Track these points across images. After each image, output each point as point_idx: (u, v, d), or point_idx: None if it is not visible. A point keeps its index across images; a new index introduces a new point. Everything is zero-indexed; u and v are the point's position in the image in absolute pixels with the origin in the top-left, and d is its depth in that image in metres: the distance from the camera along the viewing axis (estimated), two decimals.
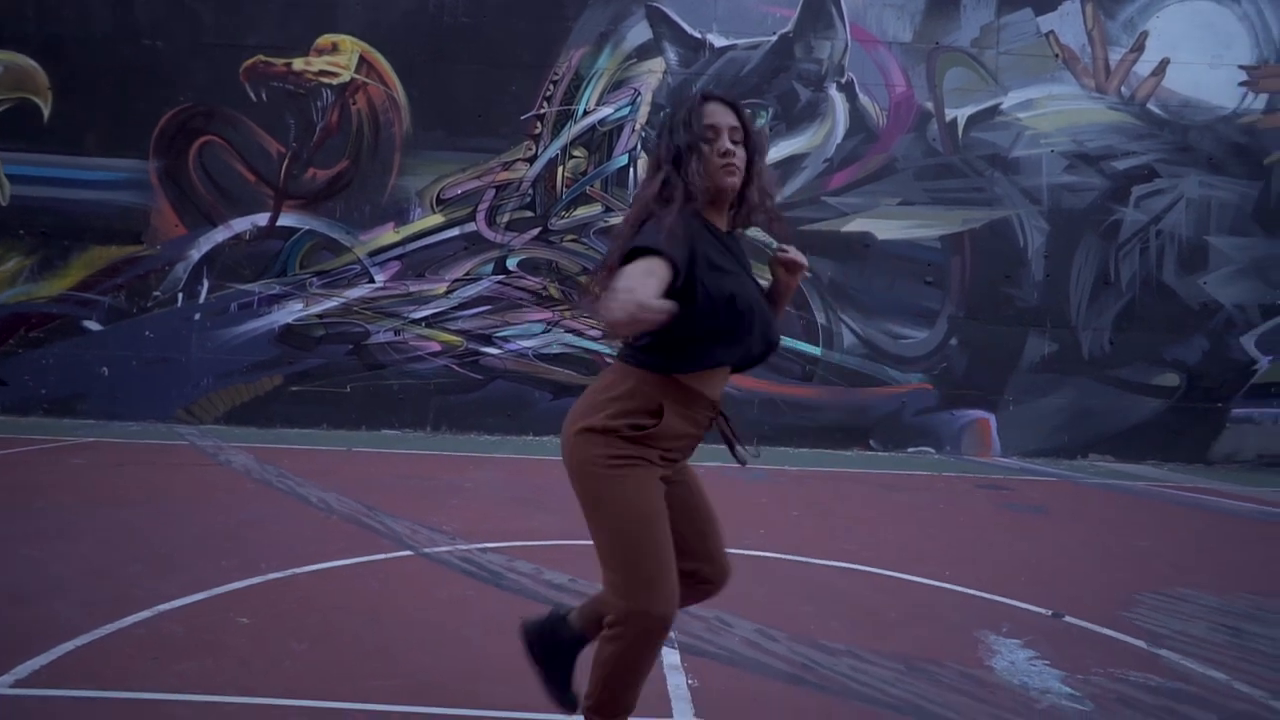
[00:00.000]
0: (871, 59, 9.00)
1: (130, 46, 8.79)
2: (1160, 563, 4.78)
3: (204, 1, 8.81)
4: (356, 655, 2.95)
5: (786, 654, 3.11)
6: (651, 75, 8.95)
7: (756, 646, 3.15)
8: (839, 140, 8.98)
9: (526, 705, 2.61)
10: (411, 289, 8.90)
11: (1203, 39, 9.04)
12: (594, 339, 8.90)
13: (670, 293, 1.77)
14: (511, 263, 8.93)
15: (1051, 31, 9.06)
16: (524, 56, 8.92)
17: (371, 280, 8.89)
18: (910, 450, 8.97)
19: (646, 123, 8.90)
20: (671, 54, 8.95)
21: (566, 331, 8.90)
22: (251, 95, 8.82)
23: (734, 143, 2.04)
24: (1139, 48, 9.07)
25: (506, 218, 8.92)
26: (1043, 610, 3.74)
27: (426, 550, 4.33)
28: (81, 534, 4.37)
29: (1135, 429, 9.04)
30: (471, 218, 8.91)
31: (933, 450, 8.99)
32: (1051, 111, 9.04)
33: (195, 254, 8.81)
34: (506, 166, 8.92)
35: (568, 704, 2.29)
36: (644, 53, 8.95)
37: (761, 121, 8.96)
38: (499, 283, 8.92)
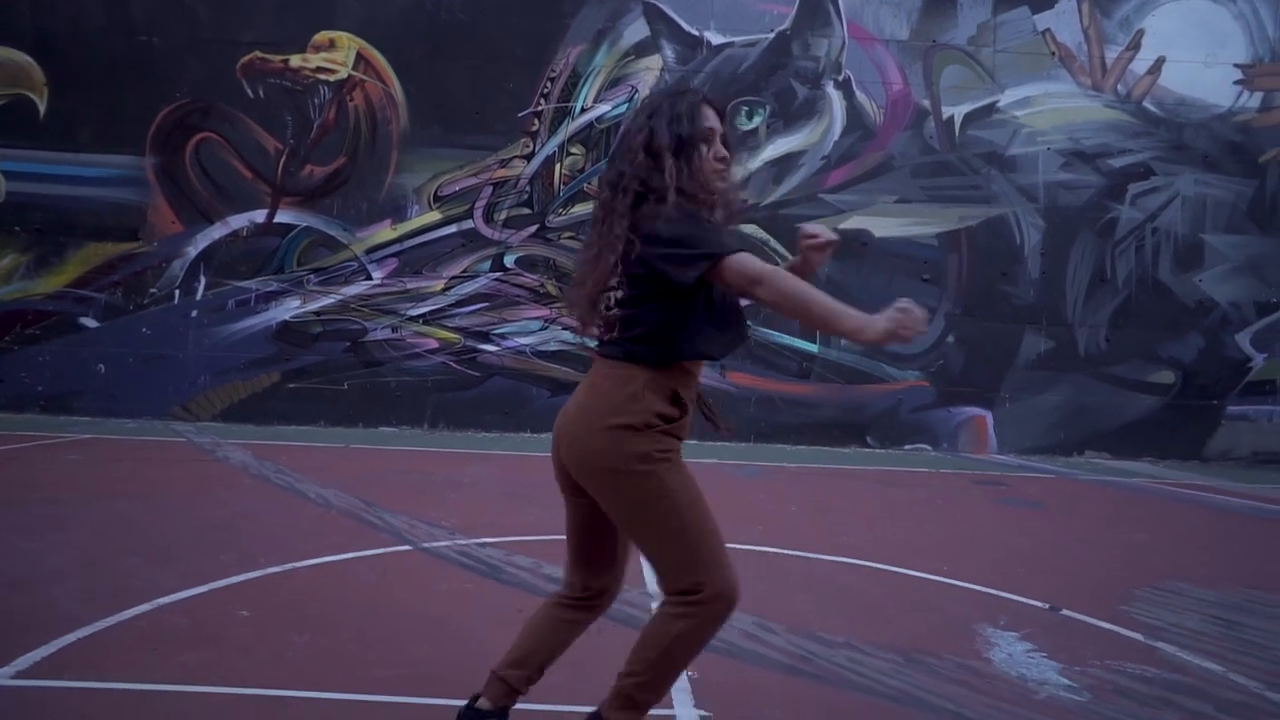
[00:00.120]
0: (868, 57, 9.02)
1: (126, 42, 8.77)
2: (1156, 557, 4.80)
3: None
4: (357, 647, 2.96)
5: (785, 646, 3.12)
6: (649, 72, 8.96)
7: (755, 639, 3.16)
8: (836, 138, 9.00)
9: (527, 696, 2.61)
10: (409, 286, 8.90)
11: (1198, 37, 9.07)
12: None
13: (696, 285, 1.91)
14: (509, 260, 8.94)
15: (1048, 30, 9.08)
16: (521, 53, 8.92)
17: (369, 277, 8.89)
18: (907, 447, 8.99)
19: None
20: (669, 51, 8.96)
21: (564, 329, 8.91)
22: (248, 92, 8.81)
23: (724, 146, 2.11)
24: (1135, 46, 9.10)
25: (504, 215, 8.93)
26: (1040, 603, 3.76)
27: (425, 545, 4.33)
28: (78, 527, 4.37)
29: (1131, 426, 9.08)
30: (469, 215, 8.91)
31: (929, 447, 9.01)
32: (1048, 109, 9.07)
33: (192, 251, 8.80)
34: (504, 164, 8.92)
35: None
36: (641, 50, 8.96)
37: (758, 119, 8.98)
38: (496, 280, 8.92)
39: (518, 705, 2.59)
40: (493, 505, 5.37)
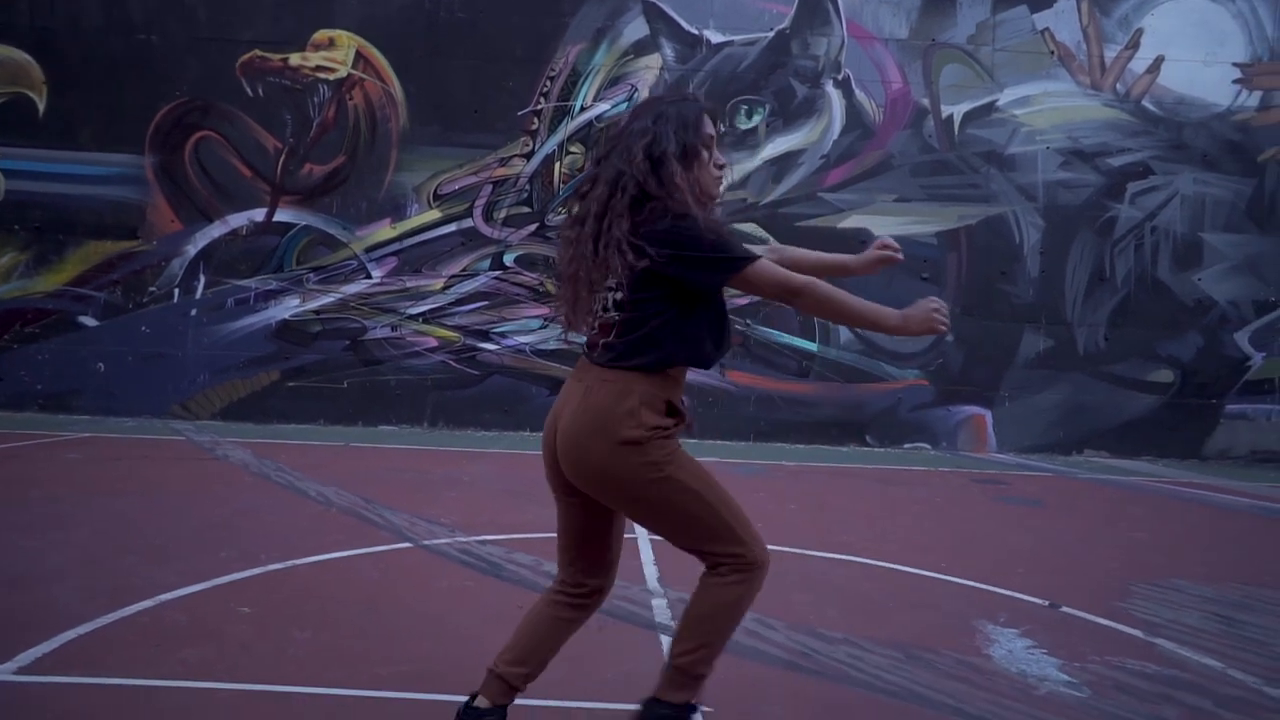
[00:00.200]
0: (868, 55, 9.02)
1: (125, 41, 8.76)
2: (1155, 555, 4.81)
3: None
4: (358, 643, 2.96)
5: (785, 642, 3.13)
6: (648, 71, 8.96)
7: (755, 635, 3.17)
8: (835, 137, 9.00)
9: (528, 692, 2.62)
10: (408, 284, 8.90)
11: (1197, 36, 9.08)
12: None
13: (705, 293, 2.02)
14: (508, 258, 8.94)
15: (1047, 29, 9.09)
16: (520, 52, 8.92)
17: (368, 276, 8.89)
18: (906, 446, 8.99)
19: None
20: (668, 50, 8.96)
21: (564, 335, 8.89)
22: (248, 90, 8.81)
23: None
24: (1134, 45, 9.11)
25: (503, 213, 8.93)
26: (1040, 600, 3.77)
27: (425, 542, 4.34)
28: (79, 526, 4.37)
29: (1130, 425, 9.08)
30: (468, 213, 8.91)
31: (928, 446, 9.02)
32: (1047, 108, 9.07)
33: (191, 249, 8.79)
34: (503, 162, 8.92)
35: None
36: (641, 49, 8.96)
37: (757, 118, 8.98)
38: (496, 278, 8.92)
39: (517, 701, 2.60)
40: (492, 503, 5.37)
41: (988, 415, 9.08)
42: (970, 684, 2.84)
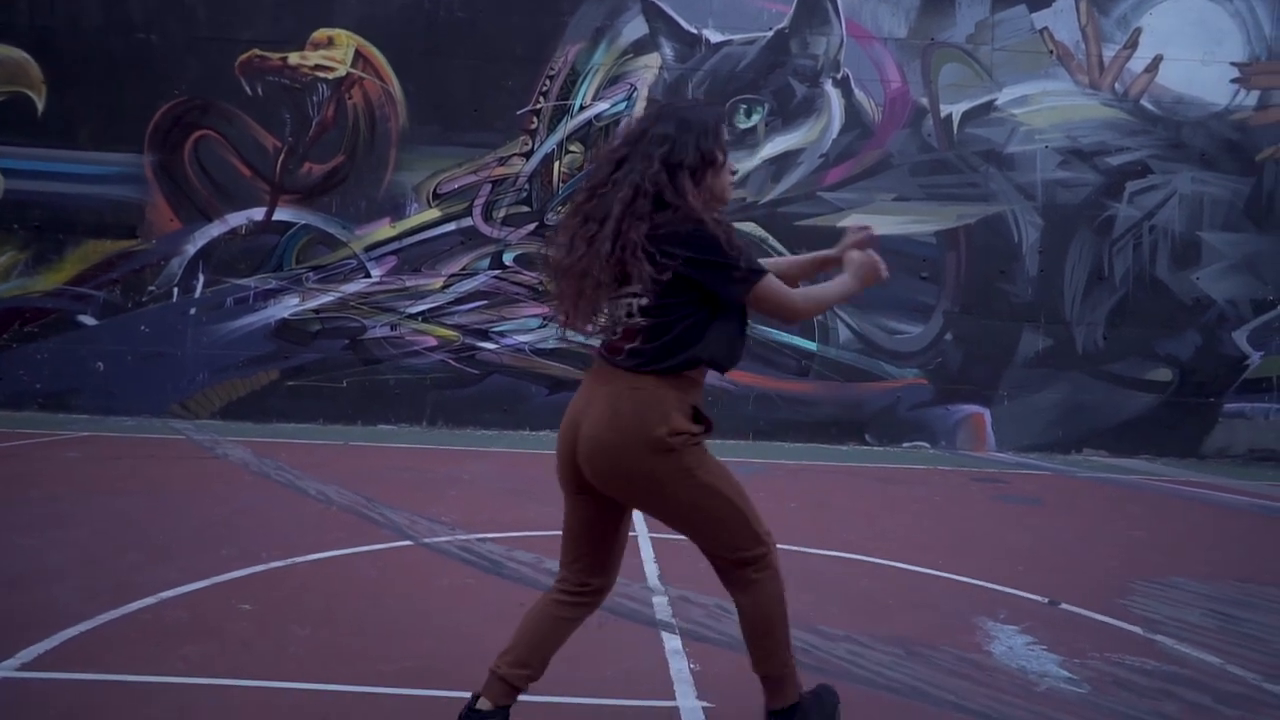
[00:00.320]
0: (867, 55, 9.03)
1: (124, 40, 8.76)
2: (1154, 552, 4.82)
3: None
4: (359, 640, 2.97)
5: None
6: (647, 70, 8.96)
7: None
8: (834, 136, 9.01)
9: (529, 690, 2.62)
10: (408, 284, 8.90)
11: (1195, 36, 9.09)
12: (588, 334, 8.89)
13: (729, 302, 2.08)
14: (508, 258, 8.94)
15: (1046, 28, 9.10)
16: (520, 51, 8.92)
17: (368, 275, 8.89)
18: (905, 445, 9.00)
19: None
20: (667, 49, 8.96)
21: (561, 334, 8.89)
22: (247, 89, 8.80)
23: None
24: (1132, 44, 9.12)
25: (503, 213, 8.93)
26: (1039, 598, 3.78)
27: (426, 540, 4.34)
28: (79, 524, 4.37)
29: (1129, 424, 9.10)
30: (468, 213, 8.91)
31: (928, 445, 9.03)
32: (1046, 108, 9.08)
33: (190, 248, 8.79)
34: (502, 161, 8.93)
35: None
36: (640, 48, 8.96)
37: (756, 117, 8.99)
38: (495, 278, 8.92)
39: (517, 697, 2.60)
40: (493, 501, 5.38)
41: (987, 414, 9.09)
42: (971, 680, 2.84)
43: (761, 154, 8.95)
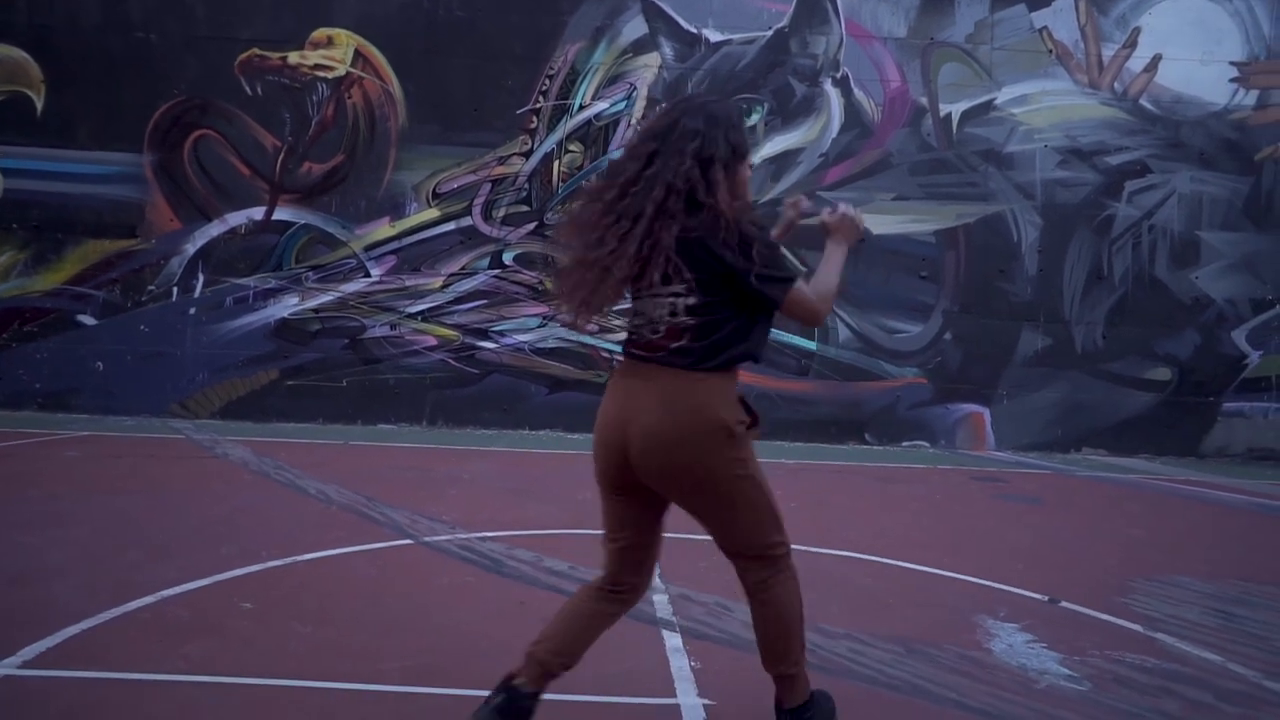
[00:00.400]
0: (866, 54, 9.03)
1: (123, 39, 8.75)
2: (1154, 551, 4.83)
3: None
4: (360, 638, 2.97)
5: None
6: (647, 70, 8.96)
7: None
8: (834, 135, 9.01)
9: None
10: (407, 283, 8.90)
11: (1194, 35, 9.09)
12: (590, 333, 8.90)
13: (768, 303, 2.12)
14: (507, 257, 8.94)
15: (1045, 27, 9.10)
16: (519, 51, 8.92)
17: (367, 275, 8.89)
18: (905, 444, 9.01)
19: (642, 117, 8.91)
20: (667, 49, 8.97)
21: (562, 326, 8.91)
22: (247, 89, 8.79)
23: None
24: (1131, 44, 9.12)
25: (502, 212, 8.93)
26: (1039, 596, 3.78)
27: (426, 539, 4.34)
28: (79, 522, 4.37)
29: (1127, 423, 9.10)
30: (467, 212, 8.91)
31: (927, 444, 9.03)
32: (1045, 107, 9.09)
33: (190, 248, 8.79)
34: (502, 161, 8.92)
35: None
36: (640, 47, 8.96)
37: (756, 116, 8.99)
38: (495, 277, 8.92)
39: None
40: (493, 500, 5.38)
41: (986, 413, 9.09)
42: (971, 678, 2.85)
43: (761, 153, 8.94)
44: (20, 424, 7.72)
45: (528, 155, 8.93)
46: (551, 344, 8.89)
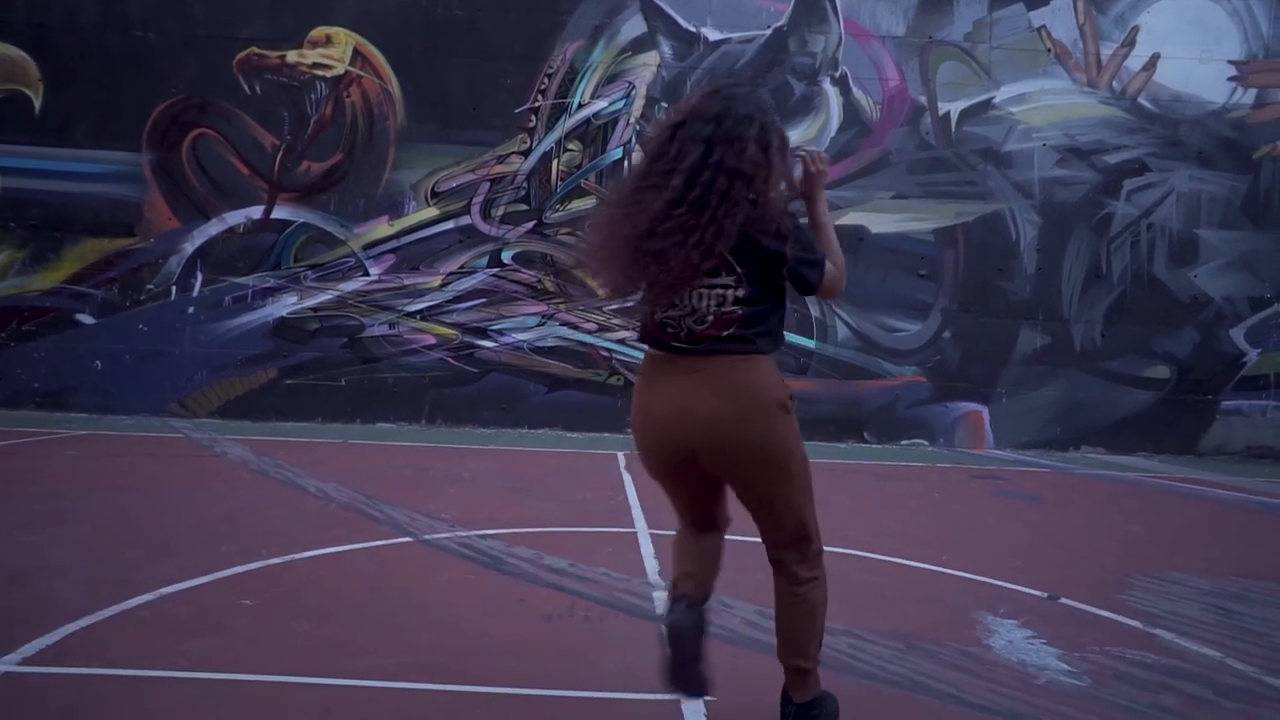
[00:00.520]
0: (865, 53, 9.04)
1: (121, 38, 8.74)
2: (1152, 548, 4.83)
3: None
4: (360, 635, 2.97)
5: None
6: (646, 69, 8.96)
7: (756, 626, 3.18)
8: (833, 134, 9.02)
9: (529, 682, 2.63)
10: (406, 282, 8.89)
11: (1193, 34, 9.10)
12: (589, 332, 8.91)
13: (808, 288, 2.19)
14: (506, 256, 8.94)
15: (1044, 26, 9.11)
16: (518, 49, 8.91)
17: (366, 273, 8.88)
18: (904, 443, 9.01)
19: (641, 116, 8.92)
20: (666, 48, 8.97)
21: (561, 324, 8.92)
22: (245, 88, 8.79)
23: None
24: (1130, 43, 9.13)
25: (501, 211, 8.93)
26: (1039, 593, 3.78)
27: (426, 536, 4.34)
28: (79, 520, 4.37)
29: (1126, 421, 9.11)
30: (466, 211, 8.91)
31: (926, 443, 9.04)
32: (1043, 106, 9.10)
33: (189, 247, 8.78)
34: (501, 160, 8.92)
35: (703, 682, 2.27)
36: (639, 46, 8.96)
37: None
38: (494, 276, 8.92)
39: (518, 691, 2.62)
40: (492, 499, 5.38)
41: (985, 412, 9.10)
42: (971, 674, 2.85)
43: None
44: (18, 423, 7.72)
45: (526, 154, 8.93)
46: (550, 343, 8.90)
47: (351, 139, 8.89)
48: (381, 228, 8.89)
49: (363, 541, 4.18)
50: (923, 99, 9.06)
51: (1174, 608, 3.66)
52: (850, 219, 8.92)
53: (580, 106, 8.94)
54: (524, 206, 8.94)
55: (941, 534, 4.94)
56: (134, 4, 8.74)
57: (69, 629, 2.89)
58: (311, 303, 8.82)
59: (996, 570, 4.10)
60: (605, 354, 8.91)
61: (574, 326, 8.92)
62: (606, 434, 8.63)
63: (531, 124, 8.93)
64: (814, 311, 8.98)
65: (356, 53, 8.87)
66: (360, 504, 4.99)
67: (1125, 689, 2.77)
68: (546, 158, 8.94)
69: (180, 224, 8.77)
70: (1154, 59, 9.12)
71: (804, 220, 2.26)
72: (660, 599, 3.48)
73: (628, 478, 6.31)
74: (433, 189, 8.91)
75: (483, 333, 8.90)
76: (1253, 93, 9.18)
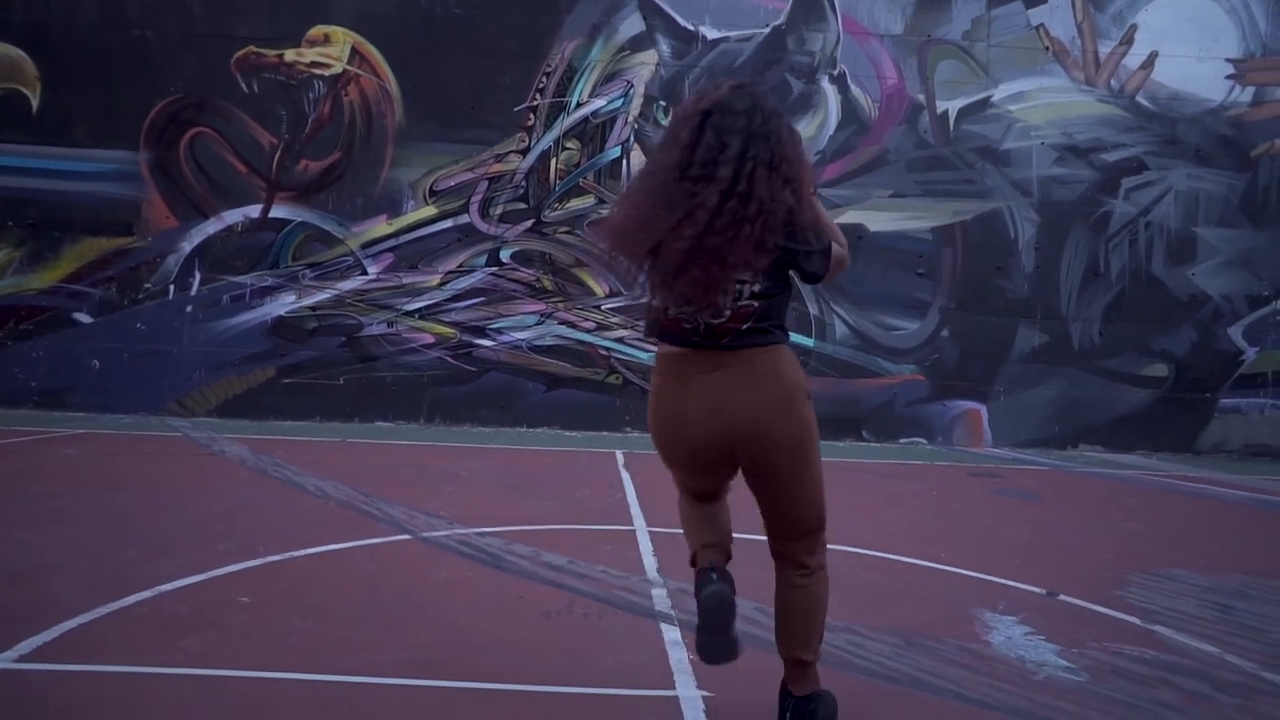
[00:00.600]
0: (863, 51, 9.04)
1: (119, 37, 8.73)
2: (1151, 545, 4.84)
3: None
4: (358, 632, 2.96)
5: None
6: (644, 67, 8.96)
7: (755, 623, 3.17)
8: (831, 132, 9.02)
9: (527, 679, 2.63)
10: (404, 281, 8.89)
11: (1191, 32, 9.11)
12: (587, 331, 8.91)
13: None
14: (505, 254, 8.93)
15: (1042, 24, 9.11)
16: (516, 48, 8.91)
17: (364, 272, 8.87)
18: (902, 441, 9.01)
19: (639, 115, 8.91)
20: (664, 46, 8.96)
21: (560, 323, 8.91)
22: (243, 86, 8.78)
23: None
24: (1128, 41, 9.14)
25: (500, 210, 8.92)
26: (1037, 589, 3.79)
27: (424, 534, 4.34)
28: (78, 519, 4.36)
29: (1124, 419, 9.12)
30: (464, 209, 8.90)
31: (924, 441, 9.04)
32: (1042, 104, 9.10)
33: (187, 246, 8.77)
34: (499, 158, 8.92)
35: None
36: (637, 45, 8.96)
37: None
38: (492, 275, 8.91)
39: (516, 687, 2.62)
40: (491, 497, 5.37)
41: (983, 410, 9.10)
42: (970, 669, 2.85)
43: None
44: (16, 422, 7.70)
45: (525, 153, 8.92)
46: (549, 341, 8.89)
47: (350, 138, 8.89)
48: (380, 226, 8.88)
49: (361, 539, 4.18)
50: (921, 97, 9.07)
51: (1172, 604, 3.66)
52: (848, 217, 8.91)
53: (578, 105, 8.93)
54: (522, 205, 8.94)
55: (940, 531, 4.94)
56: (132, 3, 8.73)
57: (66, 626, 2.88)
58: (310, 301, 8.81)
59: (995, 567, 4.10)
60: (604, 353, 8.91)
61: (572, 325, 8.91)
62: (605, 432, 8.63)
63: (530, 122, 8.93)
64: (812, 310, 8.98)
65: (354, 51, 8.86)
66: (358, 502, 4.99)
67: (1123, 684, 2.77)
68: (545, 156, 8.93)
69: (178, 223, 8.76)
70: (1152, 57, 9.12)
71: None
72: (659, 595, 3.48)
73: (626, 476, 6.31)
74: (431, 188, 8.91)
75: (481, 331, 8.89)
76: (1251, 91, 9.18)
